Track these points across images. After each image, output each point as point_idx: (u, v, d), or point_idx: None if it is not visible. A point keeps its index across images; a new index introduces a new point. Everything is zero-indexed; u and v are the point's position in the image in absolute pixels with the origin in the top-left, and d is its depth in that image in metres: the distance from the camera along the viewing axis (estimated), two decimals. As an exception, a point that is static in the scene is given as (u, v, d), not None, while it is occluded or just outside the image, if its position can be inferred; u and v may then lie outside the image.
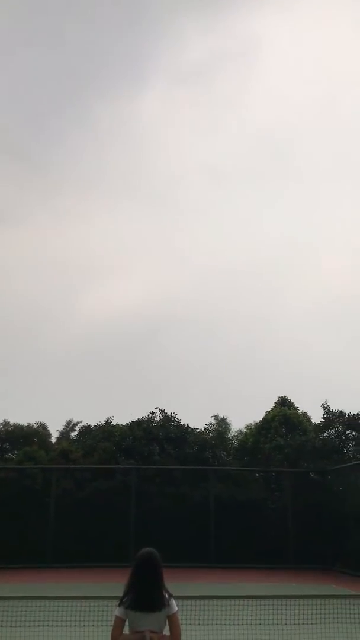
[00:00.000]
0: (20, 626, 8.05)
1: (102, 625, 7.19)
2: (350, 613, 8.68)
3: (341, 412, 22.62)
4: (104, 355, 60.26)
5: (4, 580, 15.60)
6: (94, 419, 30.26)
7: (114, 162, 59.98)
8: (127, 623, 4.28)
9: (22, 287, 59.55)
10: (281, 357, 59.09)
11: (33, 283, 59.47)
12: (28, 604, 8.77)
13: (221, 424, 35.26)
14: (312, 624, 7.88)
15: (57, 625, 8.11)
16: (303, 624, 8.02)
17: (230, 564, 18.94)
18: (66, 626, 8.02)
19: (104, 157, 59.30)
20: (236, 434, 32.09)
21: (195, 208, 61.35)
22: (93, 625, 7.66)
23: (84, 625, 7.84)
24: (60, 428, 33.25)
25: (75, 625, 7.96)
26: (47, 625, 8.18)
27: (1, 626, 7.84)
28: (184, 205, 62.02)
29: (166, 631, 4.28)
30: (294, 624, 8.13)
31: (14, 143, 56.12)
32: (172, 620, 4.25)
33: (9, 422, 26.93)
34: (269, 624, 8.15)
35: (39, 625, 8.16)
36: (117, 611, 4.27)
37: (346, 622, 8.38)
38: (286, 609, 8.48)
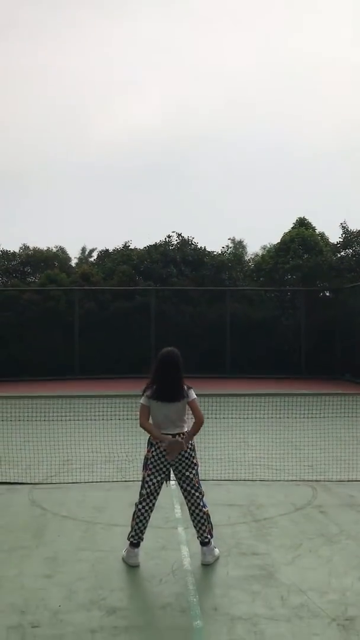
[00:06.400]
0: (52, 420, 8.89)
1: (127, 419, 7.87)
2: (356, 409, 9.37)
3: (359, 231, 22.31)
4: (121, 178, 58.75)
5: (35, 389, 16.94)
6: (112, 244, 30.41)
7: None
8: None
9: (33, 107, 56.31)
10: (300, 178, 57.18)
11: (44, 102, 56.10)
12: (58, 402, 9.57)
13: (238, 246, 35.32)
14: (320, 417, 8.54)
15: (86, 420, 8.93)
16: (311, 417, 8.71)
17: (244, 374, 20.15)
18: (94, 420, 8.82)
19: None
20: (253, 256, 32.20)
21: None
22: (120, 419, 8.40)
23: (111, 419, 8.62)
24: (77, 254, 33.59)
25: (103, 419, 8.74)
26: (77, 420, 9.01)
27: (34, 420, 8.64)
28: (201, 12, 55.80)
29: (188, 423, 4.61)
30: (303, 417, 8.84)
31: None
32: (192, 405, 4.57)
33: (28, 247, 27.10)
34: (279, 417, 8.88)
35: (69, 420, 9.00)
36: (142, 399, 4.62)
37: (353, 416, 9.08)
38: (296, 405, 9.17)
